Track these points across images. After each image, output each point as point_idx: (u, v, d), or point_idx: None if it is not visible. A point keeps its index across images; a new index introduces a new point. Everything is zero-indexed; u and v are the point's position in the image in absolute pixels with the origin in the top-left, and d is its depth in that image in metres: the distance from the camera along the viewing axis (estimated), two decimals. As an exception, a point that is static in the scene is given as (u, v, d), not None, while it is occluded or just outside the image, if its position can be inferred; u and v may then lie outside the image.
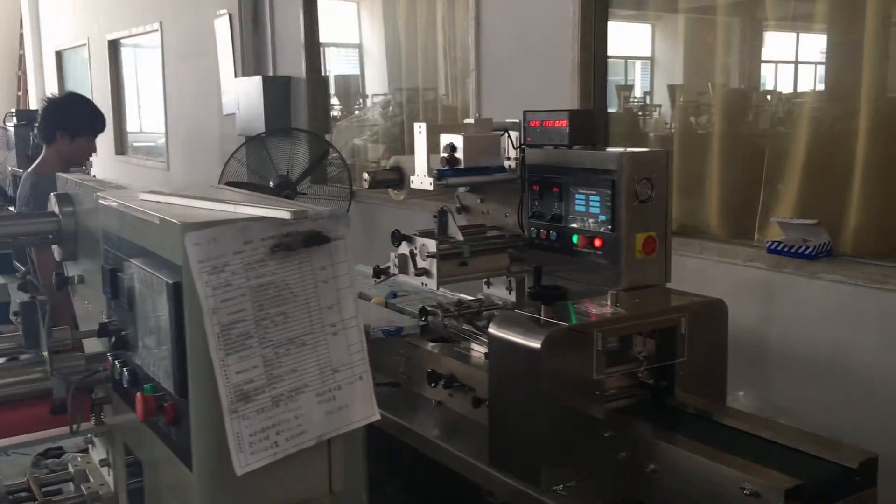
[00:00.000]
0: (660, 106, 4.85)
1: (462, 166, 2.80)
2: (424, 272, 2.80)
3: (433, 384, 2.76)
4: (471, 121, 2.89)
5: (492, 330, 2.34)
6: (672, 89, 4.56)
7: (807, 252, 3.29)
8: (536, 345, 2.18)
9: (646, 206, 2.59)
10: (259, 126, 6.01)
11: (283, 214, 1.81)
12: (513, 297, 3.04)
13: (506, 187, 2.99)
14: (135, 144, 9.60)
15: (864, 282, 3.14)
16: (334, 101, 7.33)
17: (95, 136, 4.70)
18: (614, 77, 4.80)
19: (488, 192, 3.12)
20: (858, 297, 3.16)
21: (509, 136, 2.89)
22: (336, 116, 7.28)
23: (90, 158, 4.76)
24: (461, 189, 3.21)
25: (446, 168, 2.81)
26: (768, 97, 4.11)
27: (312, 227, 1.84)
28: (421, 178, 2.79)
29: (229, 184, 5.25)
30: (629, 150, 2.63)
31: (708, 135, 4.01)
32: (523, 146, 2.86)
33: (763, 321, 3.46)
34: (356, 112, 7.33)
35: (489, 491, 2.44)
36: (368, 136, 6.90)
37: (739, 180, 3.84)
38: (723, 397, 2.52)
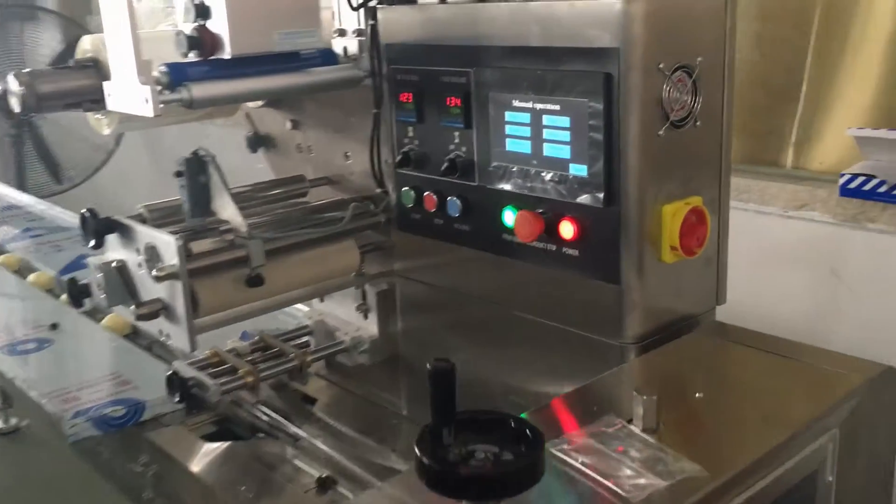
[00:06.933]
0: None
1: (227, 54, 1.15)
2: (154, 311, 1.18)
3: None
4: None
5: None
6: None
7: None
8: None
9: (682, 132, 1.05)
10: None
11: None
12: (371, 324, 1.46)
13: (335, 99, 1.38)
14: None
15: None
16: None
17: None
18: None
19: (306, 109, 1.49)
20: None
21: (339, -21, 1.27)
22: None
23: None
24: (251, 104, 1.56)
25: (188, 59, 1.16)
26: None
27: None
28: (122, 86, 1.12)
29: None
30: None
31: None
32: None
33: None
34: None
35: None
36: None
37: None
38: None
